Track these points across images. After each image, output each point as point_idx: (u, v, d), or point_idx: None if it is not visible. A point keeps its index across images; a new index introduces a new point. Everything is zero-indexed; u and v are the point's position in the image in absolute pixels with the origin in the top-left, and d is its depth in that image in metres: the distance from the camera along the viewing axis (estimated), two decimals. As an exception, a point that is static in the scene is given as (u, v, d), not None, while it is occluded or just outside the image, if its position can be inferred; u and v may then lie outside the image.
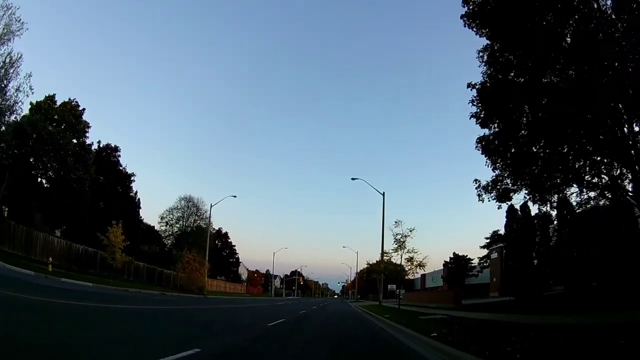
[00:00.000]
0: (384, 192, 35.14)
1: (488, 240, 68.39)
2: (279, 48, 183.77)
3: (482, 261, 68.78)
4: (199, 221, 64.91)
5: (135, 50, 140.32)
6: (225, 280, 72.21)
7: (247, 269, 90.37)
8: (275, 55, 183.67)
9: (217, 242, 76.96)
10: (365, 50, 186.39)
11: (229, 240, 77.69)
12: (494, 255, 51.26)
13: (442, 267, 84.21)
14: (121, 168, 45.35)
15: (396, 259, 27.13)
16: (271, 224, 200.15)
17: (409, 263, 26.05)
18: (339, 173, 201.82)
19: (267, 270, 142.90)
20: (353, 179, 35.55)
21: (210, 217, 49.56)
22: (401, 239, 26.08)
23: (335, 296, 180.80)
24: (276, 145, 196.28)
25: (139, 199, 47.43)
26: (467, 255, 72.88)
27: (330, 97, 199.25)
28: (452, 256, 74.09)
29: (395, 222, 26.42)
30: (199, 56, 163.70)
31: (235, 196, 48.11)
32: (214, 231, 77.18)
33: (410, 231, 26.08)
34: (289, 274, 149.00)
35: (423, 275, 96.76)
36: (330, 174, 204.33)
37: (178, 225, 63.61)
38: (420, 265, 26.14)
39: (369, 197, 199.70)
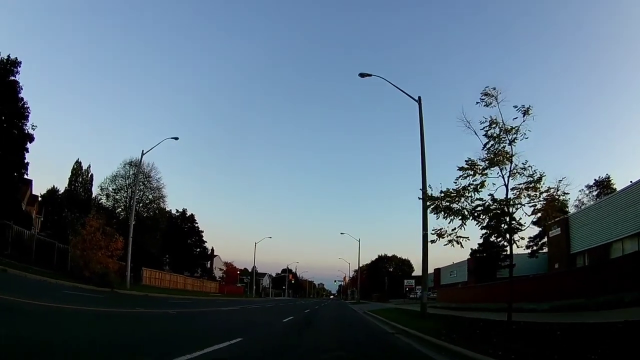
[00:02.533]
0: (419, 98, 18.77)
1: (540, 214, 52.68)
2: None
3: (533, 243, 53.46)
4: (148, 194, 48.53)
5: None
6: (188, 276, 55.40)
7: (225, 263, 73.25)
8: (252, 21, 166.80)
9: (184, 227, 60.20)
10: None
11: (196, 225, 60.65)
12: (555, 231, 36.12)
13: (462, 260, 69.28)
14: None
15: (490, 188, 10.03)
16: (262, 219, 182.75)
17: (532, 192, 9.30)
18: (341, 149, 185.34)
19: (254, 268, 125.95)
20: (362, 75, 19.05)
21: (140, 163, 32.94)
22: (502, 138, 9.59)
23: (332, 297, 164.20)
24: (264, 124, 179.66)
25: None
26: (501, 241, 57.54)
27: (326, 75, 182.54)
28: (481, 242, 58.56)
29: (485, 94, 9.82)
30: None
31: (176, 138, 31.84)
32: (178, 213, 60.61)
33: (526, 112, 9.36)
34: (280, 272, 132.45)
35: (437, 270, 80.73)
36: (326, 154, 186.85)
37: (118, 197, 47.27)
38: (559, 201, 9.51)
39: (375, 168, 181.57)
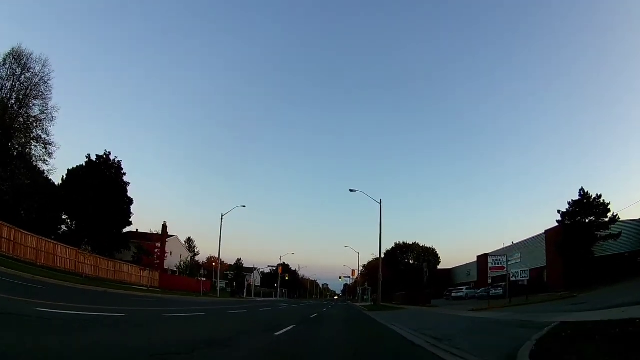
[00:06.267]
0: None
1: None
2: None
3: None
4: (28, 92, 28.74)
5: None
6: (104, 258, 33.76)
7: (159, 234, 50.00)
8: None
9: (104, 176, 38.54)
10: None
11: (122, 175, 38.83)
12: None
13: (530, 237, 47.98)
14: None
15: None
16: (261, 218, 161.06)
17: None
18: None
19: (239, 259, 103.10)
20: None
21: None
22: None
23: (336, 297, 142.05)
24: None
25: None
26: (601, 197, 36.09)
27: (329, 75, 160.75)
28: (576, 199, 37.31)
29: None
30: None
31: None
32: (100, 160, 39.14)
33: None
34: (274, 267, 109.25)
35: (482, 257, 57.80)
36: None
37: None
38: None
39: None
